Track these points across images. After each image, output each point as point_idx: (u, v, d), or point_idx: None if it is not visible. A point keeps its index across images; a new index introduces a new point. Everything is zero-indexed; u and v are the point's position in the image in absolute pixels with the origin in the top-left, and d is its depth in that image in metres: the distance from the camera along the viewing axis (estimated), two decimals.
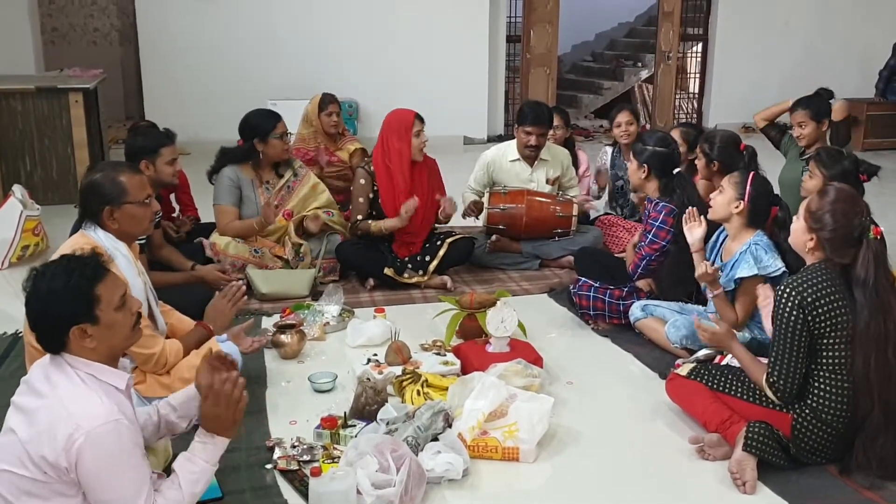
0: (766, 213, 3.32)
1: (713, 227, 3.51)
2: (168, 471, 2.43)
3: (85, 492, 1.91)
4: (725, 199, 3.32)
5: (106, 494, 1.90)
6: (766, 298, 3.01)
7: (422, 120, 4.40)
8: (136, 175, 2.92)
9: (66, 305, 1.94)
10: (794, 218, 2.75)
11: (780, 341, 2.58)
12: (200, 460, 2.11)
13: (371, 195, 4.42)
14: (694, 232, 3.47)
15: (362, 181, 4.42)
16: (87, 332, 1.96)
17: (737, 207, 3.29)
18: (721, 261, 3.43)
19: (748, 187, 3.26)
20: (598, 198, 5.43)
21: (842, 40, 9.93)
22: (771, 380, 2.62)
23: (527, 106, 4.91)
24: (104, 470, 1.88)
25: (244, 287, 3.28)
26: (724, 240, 3.47)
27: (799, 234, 2.68)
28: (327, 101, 5.19)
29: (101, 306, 1.97)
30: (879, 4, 10.00)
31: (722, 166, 3.97)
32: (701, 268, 3.33)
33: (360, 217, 4.42)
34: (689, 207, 3.52)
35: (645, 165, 3.83)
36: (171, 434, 2.39)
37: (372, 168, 4.42)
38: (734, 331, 2.94)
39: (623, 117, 5.13)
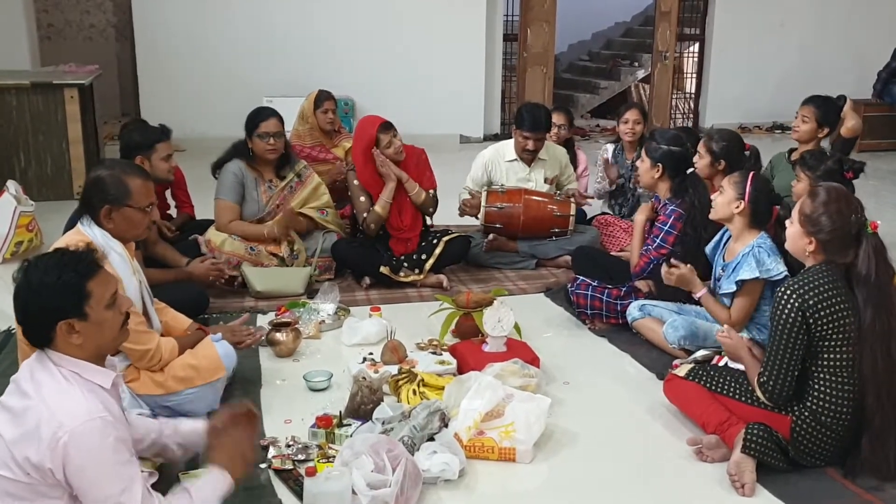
0: (768, 212, 3.30)
1: (716, 227, 3.50)
2: (160, 469, 2.41)
3: (76, 493, 1.88)
4: (726, 199, 3.30)
5: (95, 492, 1.87)
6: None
7: (388, 127, 4.29)
8: (144, 181, 2.85)
9: (56, 299, 1.92)
10: (787, 223, 2.73)
11: (776, 343, 2.56)
12: (209, 487, 2.09)
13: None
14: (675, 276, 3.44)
15: (356, 182, 4.39)
16: (75, 328, 1.93)
17: (737, 207, 3.27)
18: (724, 261, 3.41)
19: (748, 187, 3.24)
20: (602, 197, 5.38)
21: (837, 41, 9.93)
22: (762, 380, 2.61)
23: (525, 110, 4.80)
24: (90, 467, 1.85)
25: (259, 336, 3.31)
26: (727, 240, 3.45)
27: (796, 239, 2.66)
28: (323, 98, 5.16)
29: (91, 303, 1.95)
30: (875, 5, 10.00)
31: (728, 167, 3.93)
32: (668, 276, 3.35)
33: (365, 215, 4.37)
34: (671, 261, 3.47)
35: (659, 165, 3.79)
36: (162, 457, 2.36)
37: None
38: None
39: (632, 115, 5.11)
